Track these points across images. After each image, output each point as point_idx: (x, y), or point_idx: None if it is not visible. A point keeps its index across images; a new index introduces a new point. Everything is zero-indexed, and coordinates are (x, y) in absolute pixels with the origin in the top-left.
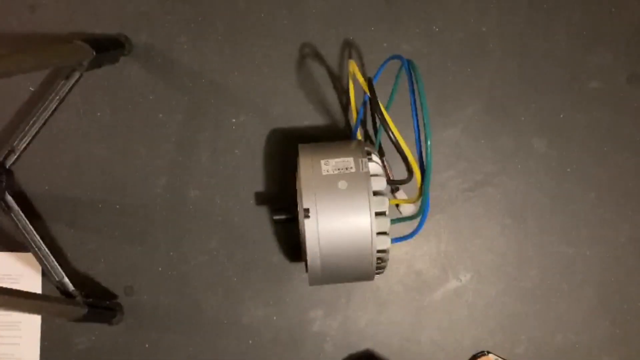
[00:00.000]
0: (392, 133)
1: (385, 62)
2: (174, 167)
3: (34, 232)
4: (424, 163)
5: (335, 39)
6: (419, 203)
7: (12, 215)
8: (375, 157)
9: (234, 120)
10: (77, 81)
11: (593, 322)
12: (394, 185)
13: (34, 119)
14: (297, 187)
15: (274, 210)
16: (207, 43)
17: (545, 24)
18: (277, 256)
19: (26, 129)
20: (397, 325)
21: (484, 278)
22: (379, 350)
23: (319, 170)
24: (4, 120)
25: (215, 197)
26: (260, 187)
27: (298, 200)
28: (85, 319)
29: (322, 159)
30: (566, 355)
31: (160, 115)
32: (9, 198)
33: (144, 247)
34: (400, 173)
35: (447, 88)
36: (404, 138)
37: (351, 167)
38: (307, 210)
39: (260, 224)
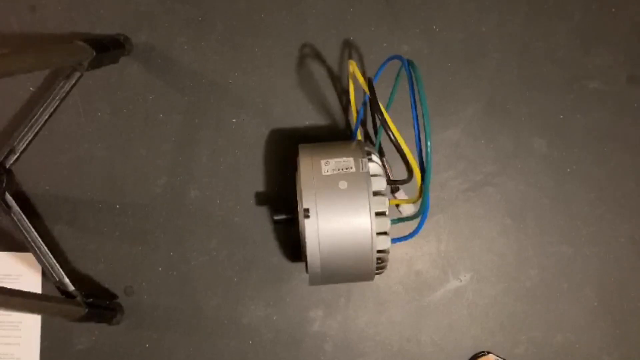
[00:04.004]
0: (392, 133)
1: (385, 62)
2: (174, 167)
3: (34, 232)
4: (424, 163)
5: (335, 39)
6: (419, 203)
7: (12, 215)
8: (375, 157)
9: (234, 120)
10: (77, 81)
11: (593, 322)
12: (394, 185)
13: (34, 119)
14: (297, 187)
15: (274, 210)
16: (207, 43)
17: (545, 24)
18: (277, 256)
19: (26, 129)
20: (397, 325)
21: (484, 278)
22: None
23: (319, 170)
24: (4, 120)
25: (215, 197)
26: (260, 187)
27: (298, 200)
28: (85, 319)
29: (322, 159)
30: (566, 355)
31: (160, 115)
32: (9, 198)
33: (144, 247)
34: (400, 173)
35: (447, 88)
36: (404, 138)
37: (351, 167)
38: (307, 210)
39: (260, 224)
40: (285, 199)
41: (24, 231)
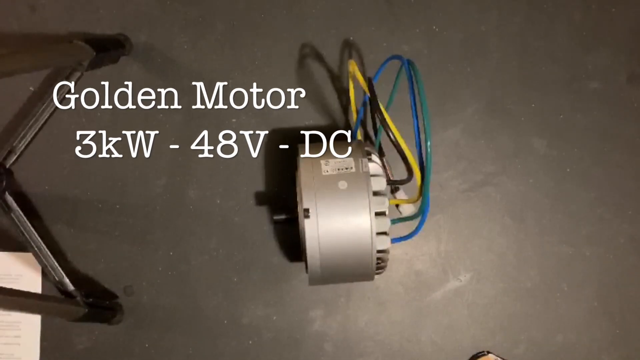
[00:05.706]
0: (392, 133)
1: (385, 62)
2: (174, 167)
3: (34, 232)
4: (424, 163)
5: (335, 39)
6: (419, 203)
7: (12, 215)
8: (375, 157)
9: (234, 120)
10: (77, 81)
11: (593, 322)
12: (394, 185)
13: (34, 118)
14: (297, 187)
15: (274, 210)
16: (207, 43)
17: (545, 24)
18: (277, 256)
19: (26, 129)
20: (397, 325)
21: (484, 278)
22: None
23: (319, 170)
24: (4, 120)
25: (215, 197)
26: (260, 187)
27: (298, 200)
28: (85, 319)
29: (322, 159)
30: (566, 355)
31: (161, 115)
32: (9, 198)
33: (144, 247)
34: (400, 173)
35: (447, 88)
36: (404, 138)
37: (351, 167)
38: (307, 210)
39: (260, 224)
40: (285, 199)
41: (24, 231)
